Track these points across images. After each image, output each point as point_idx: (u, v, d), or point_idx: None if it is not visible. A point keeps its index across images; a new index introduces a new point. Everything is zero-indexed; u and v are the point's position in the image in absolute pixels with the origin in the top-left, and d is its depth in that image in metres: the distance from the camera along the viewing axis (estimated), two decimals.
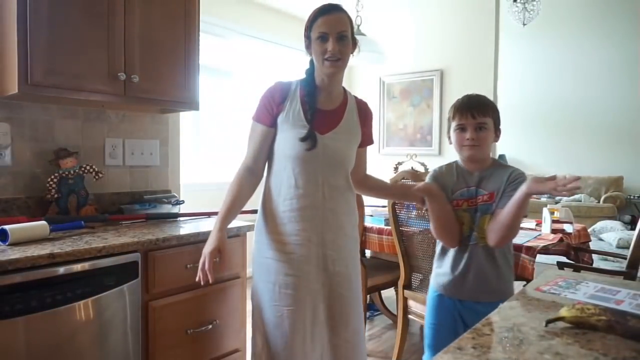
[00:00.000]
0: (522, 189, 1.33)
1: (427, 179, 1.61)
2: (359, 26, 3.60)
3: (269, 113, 1.55)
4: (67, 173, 1.87)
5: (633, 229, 5.35)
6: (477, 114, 1.46)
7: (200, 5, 2.11)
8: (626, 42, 7.07)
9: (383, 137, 5.17)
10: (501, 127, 1.55)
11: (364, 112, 1.67)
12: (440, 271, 1.58)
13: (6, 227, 1.41)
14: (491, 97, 4.20)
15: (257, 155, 1.58)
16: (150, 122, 2.29)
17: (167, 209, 2.19)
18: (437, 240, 1.60)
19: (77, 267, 1.39)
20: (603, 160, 7.34)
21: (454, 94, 4.45)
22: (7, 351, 1.26)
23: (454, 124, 1.51)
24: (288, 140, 1.53)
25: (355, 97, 1.69)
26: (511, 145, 7.86)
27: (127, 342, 1.53)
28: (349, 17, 1.54)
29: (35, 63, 1.59)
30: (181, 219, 1.98)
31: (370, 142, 1.73)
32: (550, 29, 7.45)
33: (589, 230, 3.06)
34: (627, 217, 6.81)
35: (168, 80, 1.99)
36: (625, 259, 2.45)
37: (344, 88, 1.65)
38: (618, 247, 5.41)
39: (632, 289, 1.08)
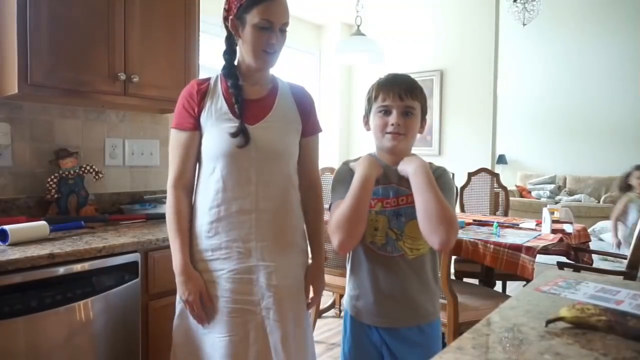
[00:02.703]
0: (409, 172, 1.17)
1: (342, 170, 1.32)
2: (359, 26, 3.60)
3: (191, 115, 1.35)
4: (67, 173, 1.87)
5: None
6: (404, 96, 1.22)
7: (200, 5, 2.11)
8: (627, 42, 7.07)
9: None
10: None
11: (300, 97, 1.46)
12: (356, 293, 1.30)
13: (6, 227, 1.41)
14: (491, 97, 4.22)
15: (184, 166, 1.36)
16: (150, 122, 2.29)
17: None
18: (348, 255, 1.32)
19: (77, 267, 1.39)
20: (603, 160, 7.34)
21: (454, 94, 4.47)
22: (7, 351, 1.26)
23: (375, 106, 1.25)
24: (215, 137, 1.33)
25: (290, 83, 1.49)
26: (511, 145, 7.88)
27: (127, 342, 1.54)
28: None
29: (35, 63, 1.59)
30: None
31: (315, 130, 1.49)
32: (550, 29, 7.46)
33: (589, 230, 3.06)
34: None
35: (168, 80, 1.99)
36: (625, 259, 2.45)
37: (272, 74, 1.47)
38: None
39: (632, 289, 1.08)
